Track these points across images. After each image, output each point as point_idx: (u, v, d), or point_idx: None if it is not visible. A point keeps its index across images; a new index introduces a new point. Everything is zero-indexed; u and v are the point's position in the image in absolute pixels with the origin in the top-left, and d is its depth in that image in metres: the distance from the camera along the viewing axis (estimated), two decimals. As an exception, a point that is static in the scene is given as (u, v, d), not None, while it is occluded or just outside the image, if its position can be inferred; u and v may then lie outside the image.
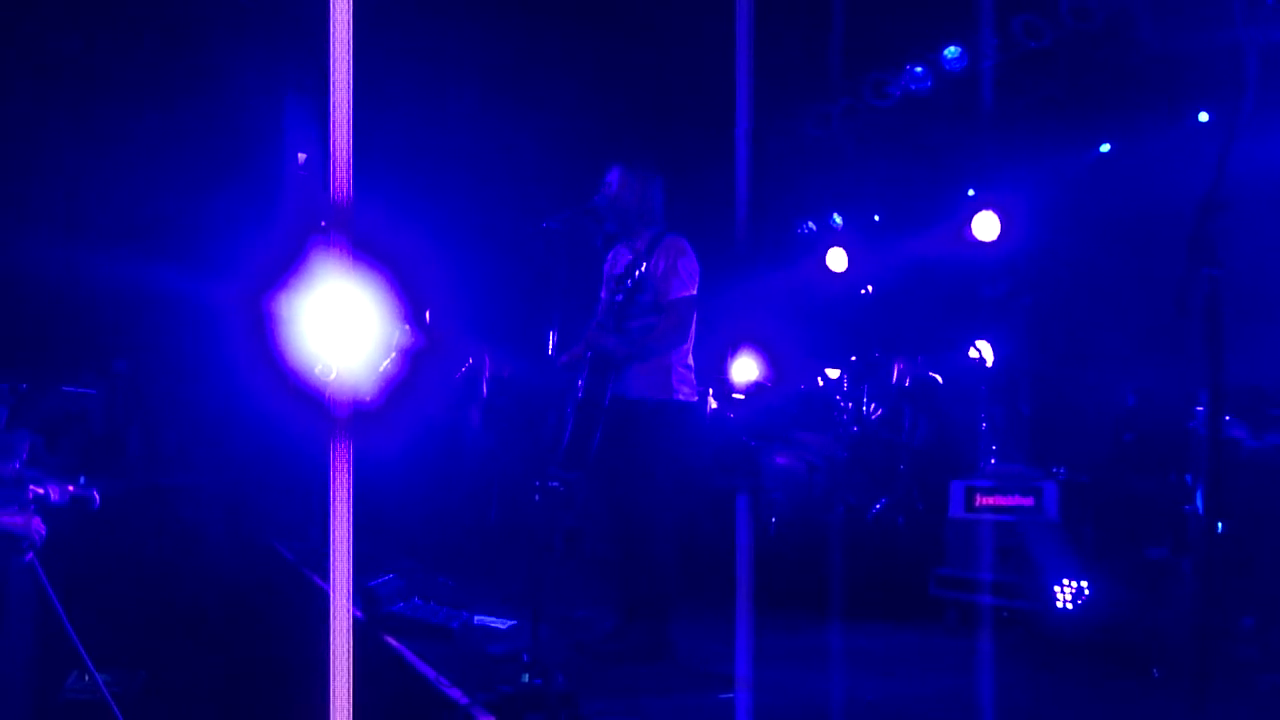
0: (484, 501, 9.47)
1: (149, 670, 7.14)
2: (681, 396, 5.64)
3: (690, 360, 5.73)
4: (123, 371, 10.35)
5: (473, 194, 10.90)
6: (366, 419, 8.19)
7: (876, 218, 11.86)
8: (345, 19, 3.49)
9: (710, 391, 10.17)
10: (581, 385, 5.58)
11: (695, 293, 5.66)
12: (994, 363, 9.10)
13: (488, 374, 9.59)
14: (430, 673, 4.86)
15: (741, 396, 10.37)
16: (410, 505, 9.00)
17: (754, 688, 4.93)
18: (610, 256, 5.99)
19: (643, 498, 5.53)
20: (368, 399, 8.42)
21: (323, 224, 9.22)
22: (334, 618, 3.28)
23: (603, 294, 5.94)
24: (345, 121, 3.52)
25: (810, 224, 12.49)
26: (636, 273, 5.59)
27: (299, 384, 8.48)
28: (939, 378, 9.33)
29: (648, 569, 5.52)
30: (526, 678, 4.38)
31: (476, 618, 6.14)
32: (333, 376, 8.31)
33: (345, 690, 3.21)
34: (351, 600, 3.46)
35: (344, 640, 3.25)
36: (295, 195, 10.47)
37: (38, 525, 6.18)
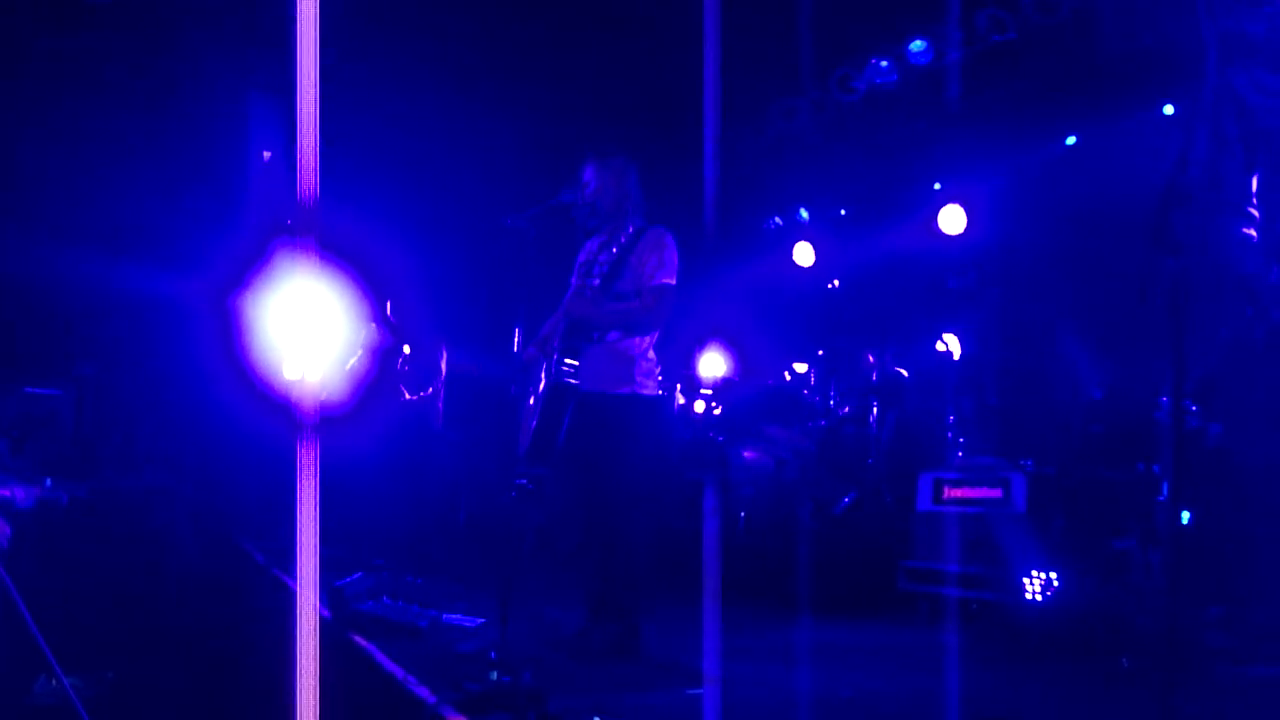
0: (453, 500, 9.44)
1: (117, 673, 7.09)
2: (644, 390, 5.62)
3: (652, 354, 5.70)
4: (88, 374, 10.27)
5: (439, 191, 10.87)
6: (334, 418, 8.15)
7: (843, 212, 11.86)
8: (311, 16, 3.47)
9: (678, 386, 10.16)
10: (548, 373, 5.54)
11: (674, 283, 5.66)
12: (961, 355, 9.11)
13: (444, 371, 9.55)
14: (398, 671, 4.83)
15: (709, 391, 10.37)
16: (379, 504, 8.95)
17: (722, 683, 4.93)
18: (587, 245, 5.95)
19: (610, 493, 5.51)
20: (335, 398, 8.39)
21: (289, 222, 9.18)
22: (299, 617, 3.27)
23: (573, 280, 5.91)
24: (311, 119, 3.50)
25: (777, 219, 12.50)
26: (616, 261, 5.59)
27: (266, 383, 8.44)
28: (904, 371, 9.35)
29: (616, 565, 5.50)
30: (495, 675, 4.37)
31: (445, 616, 6.12)
32: (300, 375, 8.28)
33: (311, 689, 3.19)
34: (319, 600, 3.44)
35: (310, 639, 3.24)
36: (261, 194, 10.41)
37: (2, 527, 6.13)
